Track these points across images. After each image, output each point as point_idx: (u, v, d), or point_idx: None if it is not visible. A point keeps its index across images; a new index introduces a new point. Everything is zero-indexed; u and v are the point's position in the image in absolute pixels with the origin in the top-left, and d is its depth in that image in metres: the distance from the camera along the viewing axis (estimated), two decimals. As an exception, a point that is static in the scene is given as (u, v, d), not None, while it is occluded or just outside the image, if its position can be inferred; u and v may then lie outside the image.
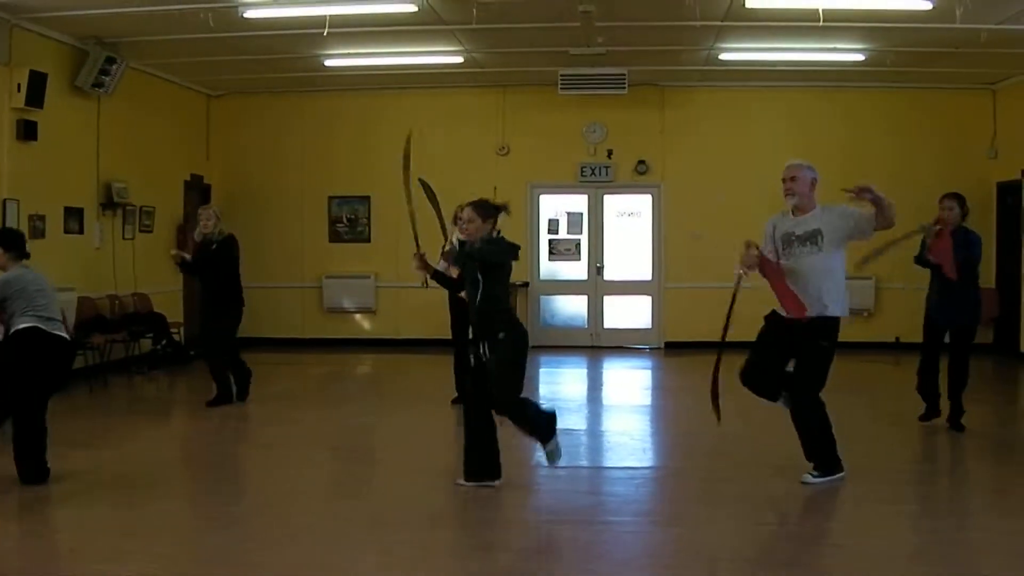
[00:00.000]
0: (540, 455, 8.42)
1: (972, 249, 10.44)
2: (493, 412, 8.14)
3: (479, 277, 8.12)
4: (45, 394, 8.66)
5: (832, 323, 8.30)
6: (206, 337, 12.67)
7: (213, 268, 12.26)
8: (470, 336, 8.39)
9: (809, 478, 8.15)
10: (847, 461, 8.31)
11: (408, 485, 8.54)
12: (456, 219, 11.23)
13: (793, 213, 8.48)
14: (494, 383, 7.97)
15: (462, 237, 11.08)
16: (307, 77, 17.50)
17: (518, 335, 8.15)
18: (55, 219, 14.22)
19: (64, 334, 8.73)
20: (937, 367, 10.68)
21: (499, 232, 8.37)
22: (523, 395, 8.15)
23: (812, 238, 8.29)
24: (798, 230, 8.37)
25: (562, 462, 8.61)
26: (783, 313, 8.36)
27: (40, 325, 8.51)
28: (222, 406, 12.14)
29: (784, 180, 8.43)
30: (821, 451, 8.22)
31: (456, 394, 11.61)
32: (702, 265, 17.40)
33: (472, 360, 8.35)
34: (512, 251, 8.30)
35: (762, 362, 8.46)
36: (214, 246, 12.23)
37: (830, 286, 8.30)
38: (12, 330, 8.48)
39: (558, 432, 8.12)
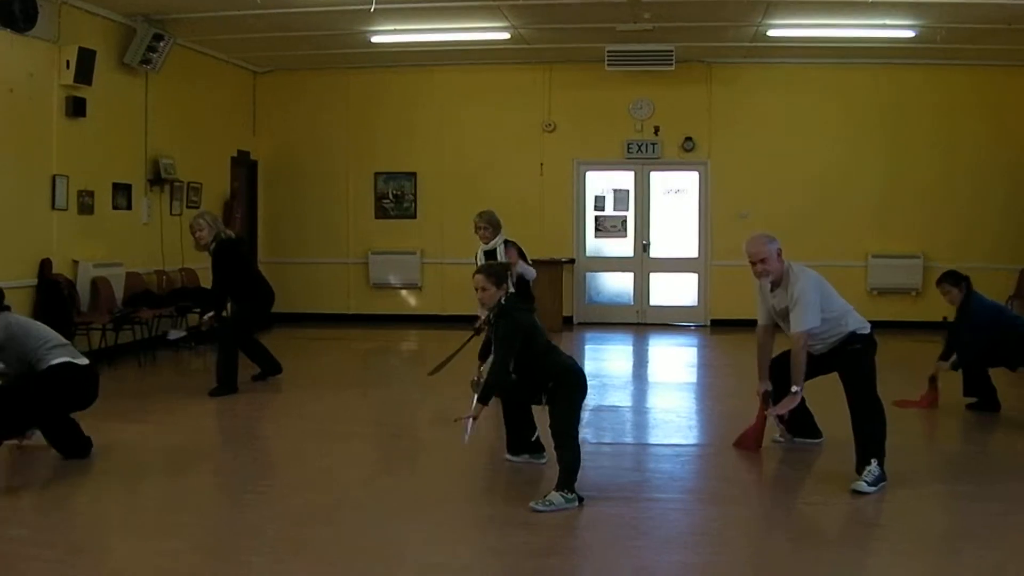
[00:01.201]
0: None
1: (977, 331, 10.30)
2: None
3: (493, 340, 7.72)
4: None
5: (855, 336, 8.04)
6: (221, 327, 12.21)
7: (218, 276, 11.83)
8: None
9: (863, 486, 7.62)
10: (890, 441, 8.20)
11: (452, 461, 8.55)
12: (477, 228, 11.26)
13: (772, 289, 8.17)
14: (554, 415, 7.47)
15: (485, 247, 11.16)
16: (353, 54, 17.51)
17: (569, 379, 7.57)
18: (103, 195, 14.32)
19: (86, 360, 8.53)
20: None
21: (512, 292, 7.90)
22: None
23: (784, 316, 8.09)
24: (779, 305, 8.13)
25: (608, 438, 8.56)
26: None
27: (71, 359, 8.32)
28: (225, 395, 11.53)
29: (753, 263, 8.04)
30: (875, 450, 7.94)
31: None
32: (749, 243, 17.30)
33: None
34: (529, 313, 7.78)
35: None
36: (212, 249, 11.74)
37: (830, 326, 7.98)
38: (46, 366, 8.12)
39: (576, 498, 7.31)
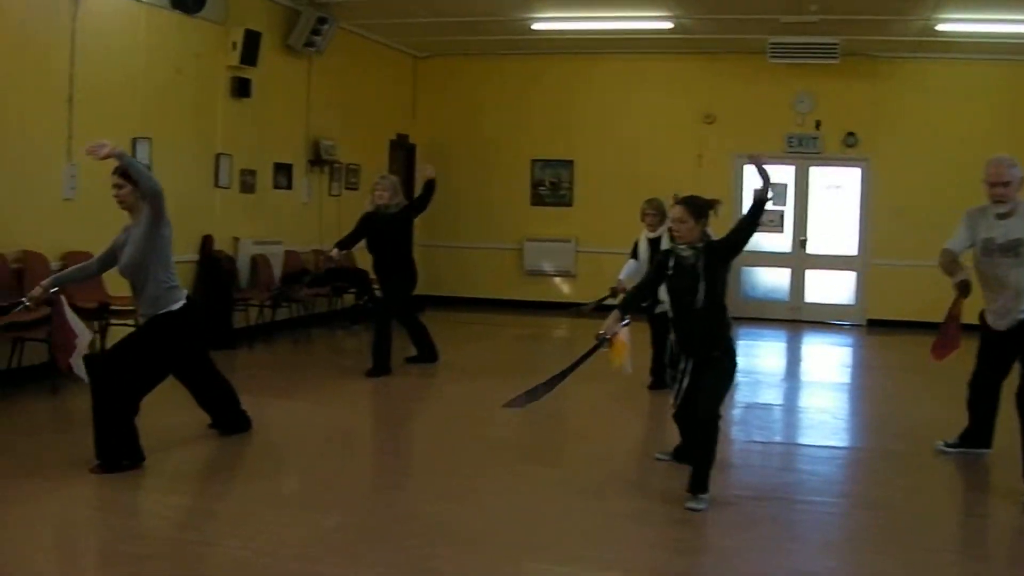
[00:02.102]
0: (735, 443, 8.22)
1: None
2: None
3: (700, 284, 7.02)
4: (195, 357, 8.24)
5: None
6: (378, 307, 12.31)
7: (387, 240, 11.81)
8: (670, 355, 7.64)
9: None
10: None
11: (600, 452, 8.50)
12: (644, 215, 11.17)
13: (998, 216, 7.82)
14: (705, 393, 7.06)
15: (651, 235, 11.03)
16: (514, 40, 17.53)
17: (734, 357, 7.24)
18: (265, 174, 14.59)
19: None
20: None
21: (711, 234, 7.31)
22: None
23: (1014, 248, 7.72)
24: (1000, 238, 7.77)
25: (761, 437, 8.44)
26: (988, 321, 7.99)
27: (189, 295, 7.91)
28: (380, 376, 11.56)
29: (993, 185, 7.70)
30: None
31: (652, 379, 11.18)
32: (910, 242, 16.92)
33: (678, 378, 7.35)
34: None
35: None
36: (392, 212, 11.73)
37: None
38: (177, 306, 7.60)
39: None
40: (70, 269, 8.13)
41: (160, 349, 7.61)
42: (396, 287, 11.99)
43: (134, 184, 7.32)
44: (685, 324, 7.19)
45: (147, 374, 7.56)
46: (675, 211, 7.17)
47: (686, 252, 7.12)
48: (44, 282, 7.67)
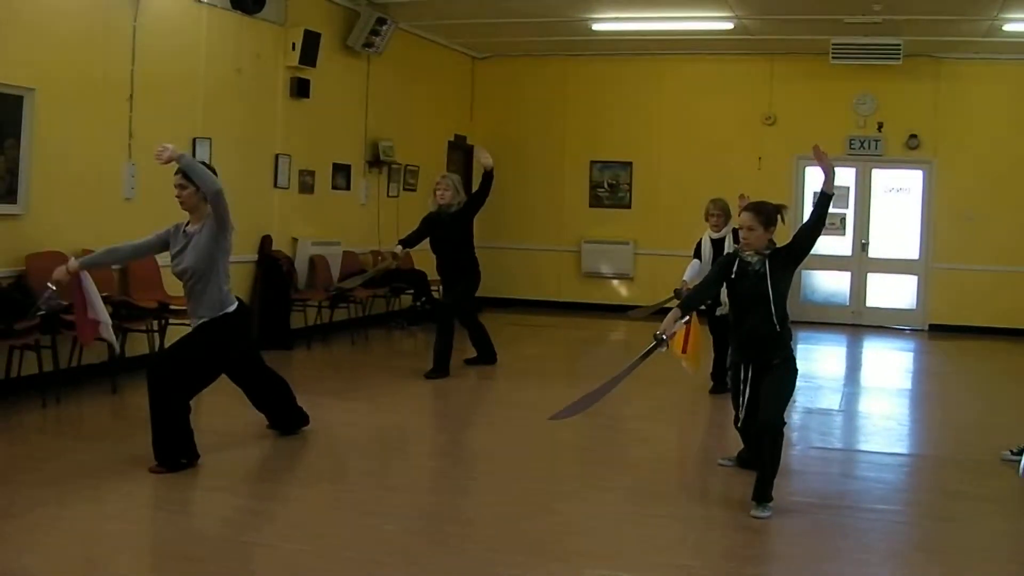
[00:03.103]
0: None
1: None
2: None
3: (766, 291, 6.93)
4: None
5: None
6: (442, 308, 12.21)
7: (450, 240, 11.73)
8: (731, 359, 7.52)
9: None
10: None
11: (666, 458, 8.43)
12: (708, 215, 11.03)
13: None
14: (768, 401, 6.95)
15: (714, 235, 10.89)
16: (573, 41, 17.48)
17: (794, 363, 7.15)
18: (323, 175, 14.63)
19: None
20: None
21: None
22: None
23: None
24: None
25: (824, 443, 8.32)
26: None
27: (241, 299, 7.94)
28: (439, 378, 11.48)
29: None
30: None
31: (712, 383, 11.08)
32: (974, 246, 16.73)
33: (740, 389, 7.22)
34: None
35: None
36: (452, 211, 11.61)
37: None
38: (232, 308, 7.63)
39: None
40: (99, 252, 7.98)
41: (216, 351, 7.63)
42: (463, 289, 11.91)
43: (196, 186, 7.30)
44: (745, 330, 7.08)
45: (202, 375, 7.59)
46: (743, 218, 7.08)
47: (751, 258, 7.03)
48: (71, 264, 7.58)
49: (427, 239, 11.89)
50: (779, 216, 7.16)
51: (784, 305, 7.03)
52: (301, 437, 8.49)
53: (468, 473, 8.08)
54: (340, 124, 15.02)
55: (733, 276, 7.10)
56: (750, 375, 7.10)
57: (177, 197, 7.47)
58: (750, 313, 7.01)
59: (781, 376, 7.01)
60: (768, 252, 7.01)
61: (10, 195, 9.56)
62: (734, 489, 7.34)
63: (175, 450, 7.32)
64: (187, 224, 7.55)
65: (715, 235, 10.85)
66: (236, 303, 7.68)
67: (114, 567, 5.71)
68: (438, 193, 11.67)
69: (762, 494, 6.78)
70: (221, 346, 7.65)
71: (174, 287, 10.98)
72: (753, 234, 6.99)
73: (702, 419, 10.39)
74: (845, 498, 7.49)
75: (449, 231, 11.68)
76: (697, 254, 10.94)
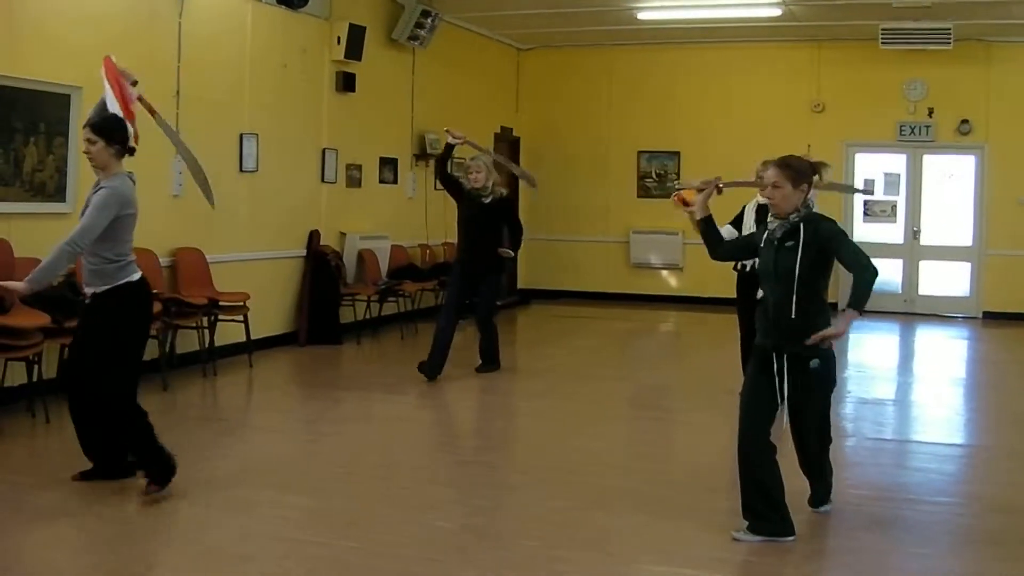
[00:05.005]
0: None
1: None
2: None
3: (795, 273, 5.92)
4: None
5: None
6: (477, 311, 11.63)
7: (480, 228, 11.17)
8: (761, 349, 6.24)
9: None
10: None
11: (718, 449, 8.29)
12: (759, 177, 10.67)
13: None
14: (810, 408, 6.24)
15: (763, 201, 10.18)
16: (618, 31, 17.36)
17: (833, 364, 6.13)
18: (370, 169, 14.62)
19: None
20: None
21: (813, 203, 6.25)
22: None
23: None
24: None
25: (872, 434, 8.21)
26: None
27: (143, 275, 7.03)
28: (491, 371, 11.41)
29: None
30: None
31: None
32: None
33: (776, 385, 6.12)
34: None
35: None
36: (487, 201, 11.11)
37: None
38: (123, 281, 6.81)
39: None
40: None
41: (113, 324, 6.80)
42: (494, 285, 11.57)
43: (105, 140, 6.85)
44: (769, 311, 6.10)
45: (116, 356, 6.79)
46: (769, 173, 6.06)
47: (774, 225, 6.09)
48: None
49: (456, 203, 11.48)
50: (817, 174, 6.10)
51: (813, 285, 5.98)
52: (353, 434, 8.45)
53: (522, 468, 8.01)
54: (386, 117, 15.01)
55: (762, 245, 6.20)
56: (784, 366, 6.03)
57: (86, 153, 6.91)
58: (773, 293, 6.07)
59: (815, 376, 6.02)
60: (797, 218, 5.99)
61: (59, 193, 9.58)
62: (792, 482, 7.24)
63: (154, 459, 6.71)
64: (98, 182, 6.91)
65: (763, 200, 10.25)
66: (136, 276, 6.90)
67: (162, 567, 5.72)
68: (472, 176, 11.13)
69: (819, 499, 6.60)
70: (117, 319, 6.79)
71: (223, 283, 11.06)
72: (779, 192, 5.95)
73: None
74: (904, 490, 7.37)
75: (480, 219, 11.13)
76: (734, 222, 10.15)
